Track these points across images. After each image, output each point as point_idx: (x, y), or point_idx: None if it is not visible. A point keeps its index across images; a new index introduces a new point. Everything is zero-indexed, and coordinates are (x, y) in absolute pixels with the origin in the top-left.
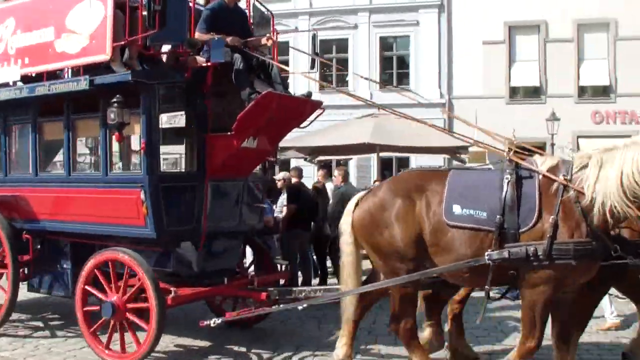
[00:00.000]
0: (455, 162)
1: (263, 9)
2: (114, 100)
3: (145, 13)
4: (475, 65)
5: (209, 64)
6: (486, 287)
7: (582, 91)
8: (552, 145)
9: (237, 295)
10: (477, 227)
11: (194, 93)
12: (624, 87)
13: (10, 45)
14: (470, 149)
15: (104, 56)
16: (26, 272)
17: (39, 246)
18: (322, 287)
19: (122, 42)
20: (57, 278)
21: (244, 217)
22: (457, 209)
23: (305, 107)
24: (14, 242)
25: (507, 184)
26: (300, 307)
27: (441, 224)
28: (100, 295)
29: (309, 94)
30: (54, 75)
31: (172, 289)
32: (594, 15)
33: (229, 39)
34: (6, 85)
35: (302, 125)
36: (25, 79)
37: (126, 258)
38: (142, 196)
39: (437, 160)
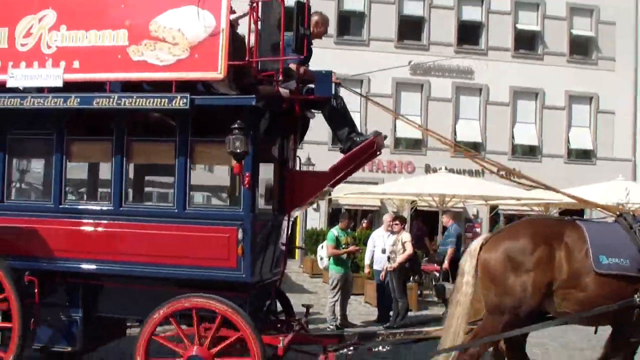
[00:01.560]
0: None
1: None
2: (237, 126)
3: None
4: None
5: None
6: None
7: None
8: None
9: (310, 342)
10: (624, 273)
11: (285, 125)
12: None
13: (47, 43)
14: None
15: (216, 74)
16: None
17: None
18: (402, 330)
19: (241, 62)
20: (58, 329)
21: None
22: (603, 258)
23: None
24: (18, 286)
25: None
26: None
27: (584, 270)
28: (172, 347)
29: (385, 137)
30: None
31: (280, 337)
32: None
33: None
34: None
35: None
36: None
37: (225, 309)
38: (240, 235)
39: None
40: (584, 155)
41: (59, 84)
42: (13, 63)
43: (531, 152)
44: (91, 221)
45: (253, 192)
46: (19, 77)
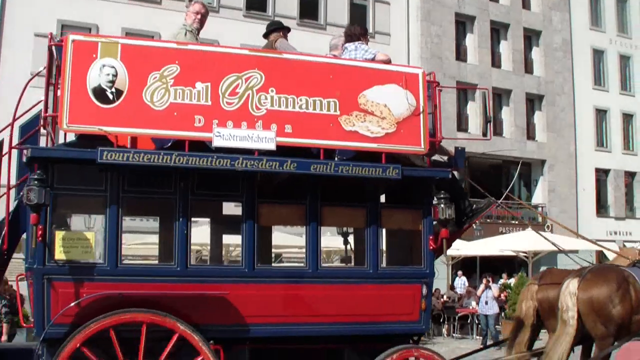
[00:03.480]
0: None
1: None
2: (442, 196)
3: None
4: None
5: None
6: None
7: None
8: None
9: None
10: None
11: None
12: None
13: (256, 104)
14: None
15: (420, 148)
16: None
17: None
18: None
19: (436, 140)
20: None
21: None
22: None
23: None
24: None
25: None
26: None
27: None
28: None
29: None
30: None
31: None
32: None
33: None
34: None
35: None
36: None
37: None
38: (424, 291)
39: None
40: None
41: (272, 147)
42: (218, 121)
43: None
44: (284, 284)
45: (433, 252)
46: (226, 136)
